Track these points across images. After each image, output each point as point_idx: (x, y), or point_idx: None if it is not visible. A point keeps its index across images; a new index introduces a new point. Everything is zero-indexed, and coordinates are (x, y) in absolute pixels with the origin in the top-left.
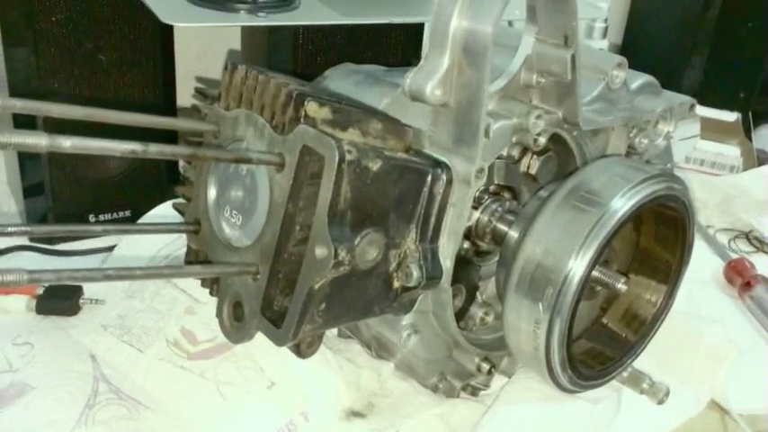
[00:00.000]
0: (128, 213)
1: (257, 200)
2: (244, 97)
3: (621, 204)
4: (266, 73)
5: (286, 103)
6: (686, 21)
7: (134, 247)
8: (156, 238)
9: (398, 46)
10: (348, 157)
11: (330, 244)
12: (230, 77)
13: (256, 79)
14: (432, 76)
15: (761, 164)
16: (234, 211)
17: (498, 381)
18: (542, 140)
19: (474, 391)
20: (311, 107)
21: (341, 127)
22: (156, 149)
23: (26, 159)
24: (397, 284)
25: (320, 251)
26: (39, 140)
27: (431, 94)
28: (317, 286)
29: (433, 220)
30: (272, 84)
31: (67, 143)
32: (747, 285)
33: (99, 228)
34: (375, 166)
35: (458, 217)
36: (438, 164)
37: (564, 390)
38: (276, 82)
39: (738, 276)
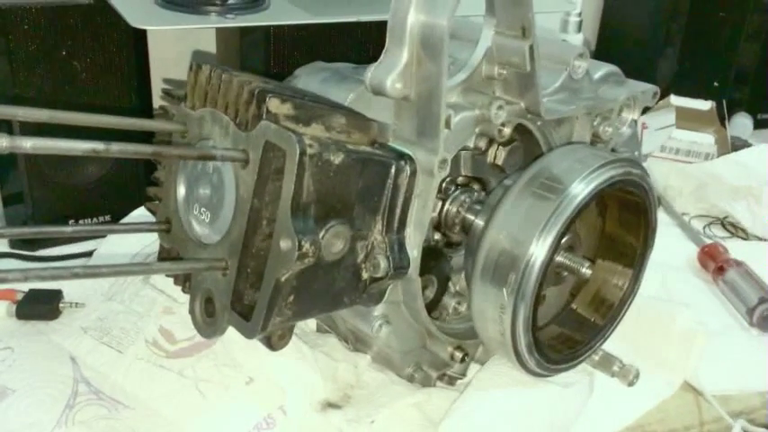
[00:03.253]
0: (107, 218)
1: (224, 197)
2: (209, 96)
3: (580, 190)
4: (230, 72)
5: (248, 100)
6: (659, 12)
7: (114, 250)
8: (134, 241)
9: (370, 43)
10: (309, 150)
11: (294, 236)
12: (195, 77)
13: (220, 78)
14: (391, 70)
15: (735, 150)
16: (202, 209)
17: (476, 370)
18: (507, 131)
19: (451, 381)
20: (273, 103)
21: (304, 122)
22: (118, 148)
23: (4, 168)
24: (365, 275)
25: (284, 244)
26: None
27: (391, 87)
28: (283, 278)
29: (398, 211)
30: (235, 82)
31: (28, 144)
32: (720, 270)
33: (69, 229)
34: (337, 159)
35: (423, 207)
36: (401, 156)
37: (533, 374)
38: (239, 80)
39: (712, 261)
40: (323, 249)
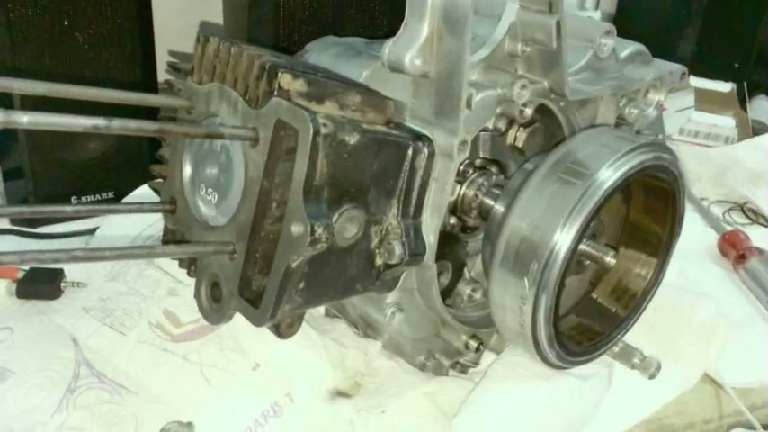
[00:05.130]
0: (111, 195)
1: (232, 177)
2: (217, 71)
3: (608, 176)
4: (239, 45)
5: (259, 75)
6: None
7: (117, 228)
8: (139, 219)
9: (383, 18)
10: (323, 130)
11: (306, 221)
12: (203, 50)
13: (229, 51)
14: (411, 46)
15: (756, 134)
16: (209, 189)
17: (488, 358)
18: (528, 112)
19: (463, 369)
20: (285, 79)
21: (317, 100)
22: (119, 125)
23: (5, 142)
24: (379, 261)
25: (296, 228)
26: None
27: (410, 64)
28: (294, 265)
29: (415, 195)
30: (245, 56)
31: (25, 119)
32: (742, 258)
33: (70, 208)
34: (352, 139)
35: (441, 191)
36: (419, 137)
37: (552, 366)
38: (249, 54)
39: (732, 249)
40: (336, 234)
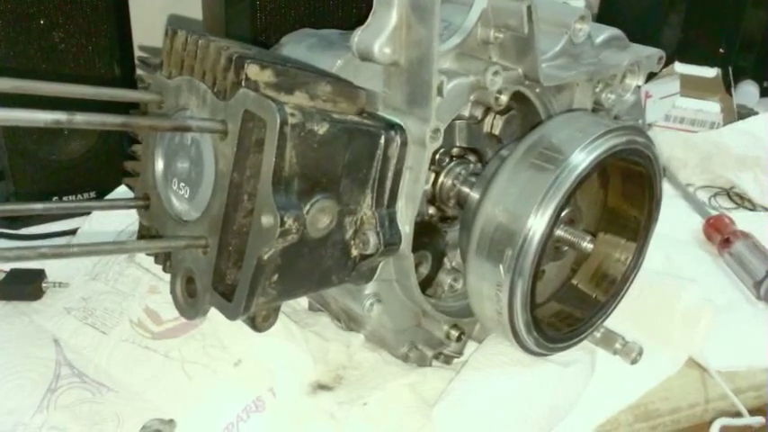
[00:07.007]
0: (92, 194)
1: (203, 170)
2: (185, 64)
3: (581, 160)
4: (207, 37)
5: (226, 66)
6: None
7: (99, 228)
8: (120, 219)
9: (360, 12)
10: (291, 120)
11: (275, 212)
12: (171, 43)
13: (196, 44)
14: (379, 34)
15: (741, 119)
16: (181, 184)
17: (473, 348)
18: (504, 99)
19: (447, 360)
20: (252, 70)
21: (286, 90)
22: (83, 119)
23: None
24: (354, 252)
25: (266, 220)
26: None
27: (379, 52)
28: (266, 257)
29: (388, 184)
30: (213, 48)
31: None
32: (726, 242)
33: (41, 205)
34: (321, 129)
35: (415, 180)
36: (391, 126)
37: (531, 353)
38: (216, 45)
39: (717, 233)
40: (308, 225)
